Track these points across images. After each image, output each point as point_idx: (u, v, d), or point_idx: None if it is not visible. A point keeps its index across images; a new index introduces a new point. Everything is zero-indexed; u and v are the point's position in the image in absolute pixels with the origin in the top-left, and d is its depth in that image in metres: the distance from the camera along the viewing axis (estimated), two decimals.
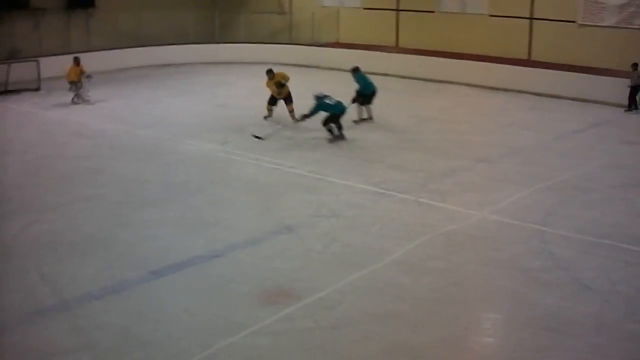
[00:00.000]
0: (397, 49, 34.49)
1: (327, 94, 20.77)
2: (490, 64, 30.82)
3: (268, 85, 22.99)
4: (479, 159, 19.15)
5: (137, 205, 15.12)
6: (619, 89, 26.59)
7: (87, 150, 19.54)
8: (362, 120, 22.99)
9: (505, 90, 29.70)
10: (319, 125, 20.38)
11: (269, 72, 23.19)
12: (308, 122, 21.00)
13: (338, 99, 20.65)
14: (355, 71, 23.27)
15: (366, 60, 29.85)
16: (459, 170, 18.17)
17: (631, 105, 26.23)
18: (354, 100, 22.57)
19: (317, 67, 33.90)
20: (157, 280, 11.69)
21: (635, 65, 25.86)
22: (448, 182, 17.12)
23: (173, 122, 23.04)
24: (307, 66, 33.44)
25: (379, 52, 33.50)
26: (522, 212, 15.10)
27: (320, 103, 20.41)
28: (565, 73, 29.08)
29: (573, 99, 27.90)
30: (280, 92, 22.81)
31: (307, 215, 14.58)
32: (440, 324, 10.47)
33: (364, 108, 23.06)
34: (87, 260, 12.46)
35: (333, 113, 20.29)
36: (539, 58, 30.60)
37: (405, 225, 14.14)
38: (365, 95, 22.91)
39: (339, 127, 20.55)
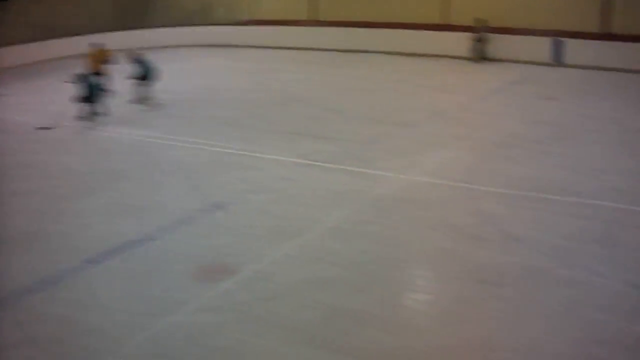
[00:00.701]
0: (317, 22, 34.54)
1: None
2: (408, 30, 31.12)
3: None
4: (402, 124, 19.40)
5: (67, 196, 15.00)
6: (538, 46, 27.25)
7: (12, 146, 19.31)
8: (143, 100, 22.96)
9: (423, 55, 30.05)
10: (245, 104, 20.35)
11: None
12: (238, 102, 21.01)
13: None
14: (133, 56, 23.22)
15: (285, 35, 30.06)
16: (384, 136, 18.38)
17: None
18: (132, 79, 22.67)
19: (236, 46, 33.80)
20: (94, 267, 11.63)
21: None
22: (374, 148, 17.32)
23: None
24: (225, 46, 33.31)
25: (298, 27, 33.54)
26: (448, 172, 15.37)
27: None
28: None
29: (497, 60, 28.39)
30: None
31: (237, 191, 14.62)
32: (377, 286, 10.64)
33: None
34: (22, 255, 12.34)
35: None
36: (456, 22, 30.99)
37: (335, 194, 14.30)
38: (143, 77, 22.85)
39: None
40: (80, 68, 21.93)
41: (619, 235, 12.21)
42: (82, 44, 32.96)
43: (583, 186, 14.57)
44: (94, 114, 20.63)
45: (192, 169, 16.27)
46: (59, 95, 25.09)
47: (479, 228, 12.56)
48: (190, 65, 30.09)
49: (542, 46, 28.75)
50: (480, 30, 29.88)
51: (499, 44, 29.56)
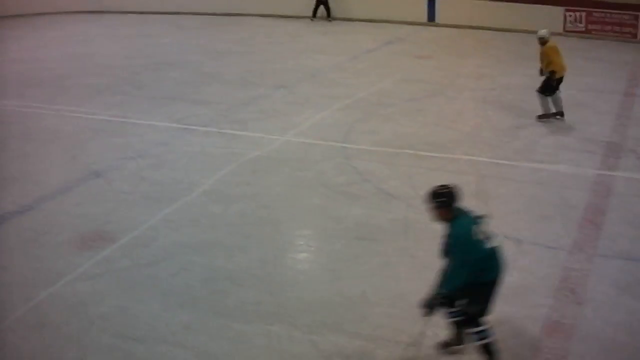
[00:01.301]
0: None
1: None
2: None
3: None
4: (277, 86, 19.50)
5: None
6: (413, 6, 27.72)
7: None
8: None
9: (298, 17, 30.14)
10: (120, 71, 20.02)
11: None
12: (113, 69, 20.70)
13: None
14: None
15: (161, 0, 29.77)
16: (259, 98, 18.44)
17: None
18: None
19: (110, 12, 33.15)
20: None
21: None
22: (249, 110, 17.37)
23: None
24: (99, 12, 32.66)
25: None
26: (323, 132, 15.54)
27: None
28: None
29: (370, 21, 28.68)
30: None
31: (113, 158, 14.46)
32: (255, 247, 10.78)
33: None
34: None
35: None
36: None
37: (211, 157, 14.33)
38: None
39: None
40: None
41: (492, 189, 12.57)
42: None
43: (457, 142, 14.92)
44: None
45: (68, 137, 15.97)
46: None
47: (355, 186, 12.78)
48: (64, 32, 29.42)
49: (417, 6, 29.13)
50: None
51: (372, 3, 29.85)
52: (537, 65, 16.28)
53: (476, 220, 7.75)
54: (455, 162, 13.81)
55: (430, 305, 7.69)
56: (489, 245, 7.63)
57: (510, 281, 9.46)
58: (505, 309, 8.77)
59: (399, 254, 10.46)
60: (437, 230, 10.80)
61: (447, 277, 7.70)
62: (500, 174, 13.31)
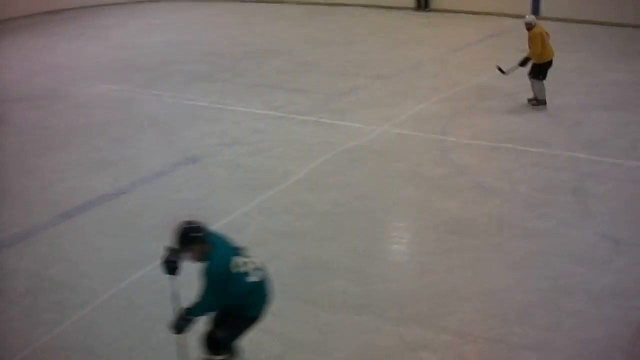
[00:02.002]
0: None
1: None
2: None
3: None
4: (377, 76, 19.39)
5: (39, 151, 14.96)
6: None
7: None
8: None
9: (400, 8, 29.94)
10: (219, 58, 20.22)
11: None
12: (212, 56, 20.88)
13: None
14: None
15: None
16: (358, 88, 18.37)
17: None
18: None
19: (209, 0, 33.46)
20: (65, 222, 11.67)
21: None
22: (348, 100, 17.31)
23: (69, 66, 22.63)
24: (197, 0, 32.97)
25: None
26: (421, 123, 15.41)
27: None
28: None
29: (472, 13, 28.34)
30: None
31: (210, 144, 14.63)
32: (348, 237, 10.73)
33: None
34: None
35: None
36: None
37: (307, 146, 14.33)
38: None
39: None
40: None
41: (592, 187, 12.29)
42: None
43: (558, 138, 14.63)
44: None
45: (166, 122, 16.22)
46: (37, 50, 25.09)
47: (451, 179, 12.63)
48: (165, 19, 29.86)
49: None
50: None
51: None
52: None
53: (236, 251, 7.27)
54: (554, 158, 13.52)
55: (178, 326, 7.28)
56: (251, 279, 7.15)
57: (605, 282, 9.28)
58: (599, 311, 8.58)
59: (491, 250, 10.30)
60: (533, 228, 10.72)
61: (196, 303, 7.25)
62: (601, 172, 12.95)
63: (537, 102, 16.62)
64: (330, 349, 8.22)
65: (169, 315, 8.25)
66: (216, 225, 10.84)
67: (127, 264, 10.16)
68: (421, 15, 29.42)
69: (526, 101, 16.64)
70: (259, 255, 9.95)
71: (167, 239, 10.61)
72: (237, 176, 13.05)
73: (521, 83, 17.08)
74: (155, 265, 9.84)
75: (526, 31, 16.36)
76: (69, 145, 15.19)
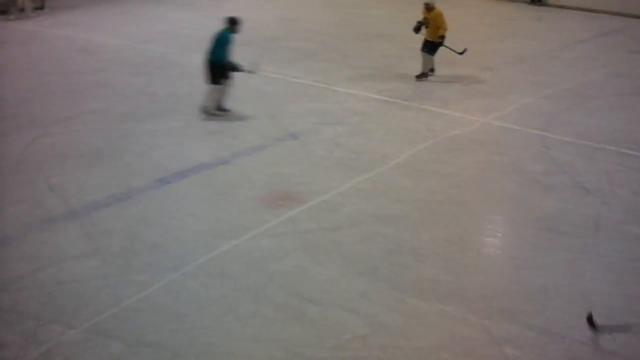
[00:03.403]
0: None
1: None
2: None
3: None
4: (483, 67, 19.20)
5: (142, 117, 15.22)
6: None
7: (92, 66, 19.52)
8: None
9: (513, 0, 29.59)
10: (324, 38, 20.27)
11: None
12: (319, 36, 20.97)
13: None
14: None
15: None
16: (463, 78, 18.23)
17: None
18: None
19: None
20: (163, 187, 11.86)
21: None
22: (452, 89, 17.20)
23: (178, 36, 22.94)
24: None
25: None
26: (525, 118, 15.22)
27: None
28: None
29: (585, 10, 27.82)
30: None
31: (311, 122, 14.71)
32: (441, 225, 10.67)
33: None
34: (94, 171, 12.61)
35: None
36: None
37: (408, 131, 14.28)
38: None
39: None
40: None
41: None
42: None
43: None
44: None
45: (269, 97, 16.35)
46: (147, 19, 25.47)
47: (550, 176, 12.46)
48: None
49: None
50: None
51: None
52: None
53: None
54: None
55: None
56: None
57: None
58: None
59: (586, 251, 10.13)
60: (631, 233, 10.52)
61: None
62: None
63: (425, 75, 17.84)
64: (414, 335, 8.20)
65: (258, 287, 8.37)
66: (311, 204, 11.00)
67: (221, 233, 10.29)
68: (534, 9, 29.05)
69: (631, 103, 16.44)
70: (351, 235, 10.09)
71: (263, 212, 10.80)
72: (335, 156, 13.08)
73: (629, 85, 16.77)
74: (248, 237, 10.04)
75: (427, 12, 17.51)
76: (172, 112, 15.41)
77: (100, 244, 10.16)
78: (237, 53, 15.02)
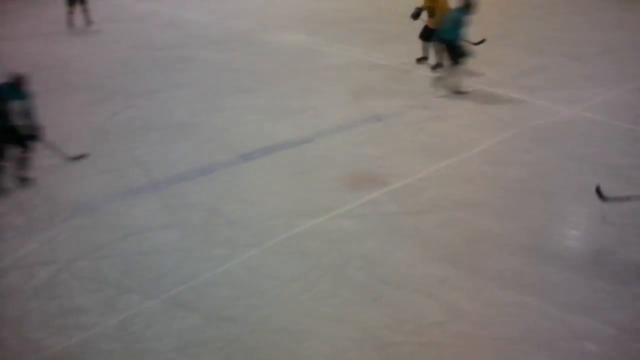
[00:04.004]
0: None
1: None
2: None
3: None
4: (571, 57, 18.81)
5: (227, 92, 15.30)
6: None
7: (178, 40, 19.70)
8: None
9: None
10: (412, 21, 20.06)
11: None
12: (400, 15, 20.80)
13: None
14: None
15: None
16: (551, 67, 17.88)
17: None
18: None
19: None
20: (246, 163, 11.92)
21: None
22: (539, 78, 16.88)
23: (265, 13, 23.07)
24: None
25: None
26: (612, 110, 14.87)
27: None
28: None
29: None
30: None
31: (396, 105, 14.58)
32: (524, 215, 10.48)
33: None
34: (177, 144, 12.74)
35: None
36: None
37: (494, 118, 14.07)
38: None
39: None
40: None
41: None
42: None
43: None
44: None
45: (354, 78, 16.28)
46: None
47: (636, 171, 12.14)
48: None
49: None
50: None
51: None
52: None
53: None
54: None
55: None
56: None
57: None
58: None
59: None
60: None
61: None
62: None
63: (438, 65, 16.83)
64: (492, 324, 8.09)
65: (337, 267, 8.34)
66: (393, 186, 10.93)
67: (302, 211, 10.31)
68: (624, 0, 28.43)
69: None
70: (432, 220, 10.00)
71: (344, 193, 10.75)
72: (419, 139, 12.96)
73: None
74: (330, 217, 10.00)
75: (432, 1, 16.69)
76: (256, 89, 15.48)
77: (182, 216, 10.27)
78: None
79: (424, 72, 16.83)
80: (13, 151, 11.14)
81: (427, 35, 16.83)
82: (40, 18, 23.61)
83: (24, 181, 11.42)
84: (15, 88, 11.17)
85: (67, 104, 14.99)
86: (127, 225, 10.10)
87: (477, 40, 16.37)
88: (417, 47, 17.71)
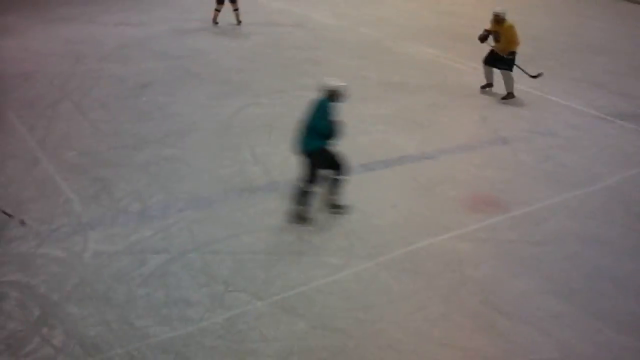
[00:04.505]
0: None
1: None
2: None
3: None
4: None
5: (352, 99, 15.10)
6: None
7: (307, 42, 19.74)
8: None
9: None
10: (540, 43, 19.65)
11: None
12: (541, 43, 20.46)
13: None
14: None
15: None
16: None
17: None
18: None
19: None
20: (366, 173, 11.83)
21: None
22: None
23: (395, 23, 22.97)
24: None
25: None
26: None
27: None
28: None
29: None
30: None
31: (523, 129, 14.28)
32: None
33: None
34: None
35: None
36: None
37: (623, 153, 13.63)
38: None
39: None
40: None
41: None
42: None
43: None
44: None
45: (481, 97, 16.00)
46: (367, 2, 25.56)
47: None
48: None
49: None
50: None
51: None
52: None
53: None
54: None
55: None
56: None
57: None
58: None
59: None
60: None
61: None
62: None
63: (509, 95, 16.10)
64: None
65: (450, 289, 8.18)
66: (514, 213, 10.68)
67: (419, 229, 10.17)
68: None
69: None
70: (552, 252, 9.73)
71: (463, 214, 10.55)
72: (544, 167, 12.64)
73: None
74: (446, 238, 9.83)
75: (497, 25, 15.99)
76: (383, 99, 15.39)
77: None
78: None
79: (553, 98, 16.43)
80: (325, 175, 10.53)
81: (492, 60, 16.28)
82: (173, 8, 24.05)
83: (336, 208, 10.67)
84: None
85: (193, 95, 15.14)
86: (241, 223, 10.11)
87: (533, 73, 15.97)
88: (549, 72, 17.35)
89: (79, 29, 20.83)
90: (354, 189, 11.13)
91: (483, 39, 16.26)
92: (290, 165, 11.75)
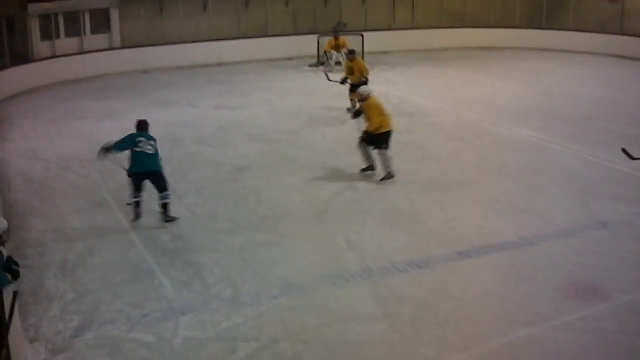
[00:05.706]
0: None
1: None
2: None
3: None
4: None
5: (450, 183, 15.09)
6: None
7: (404, 125, 19.64)
8: None
9: None
10: None
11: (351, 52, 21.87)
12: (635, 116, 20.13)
13: None
14: None
15: None
16: None
17: None
18: None
19: None
20: (462, 260, 11.62)
21: None
22: None
23: (492, 104, 22.81)
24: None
25: None
26: None
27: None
28: None
29: None
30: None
31: (624, 213, 13.76)
32: None
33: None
34: (394, 232, 12.63)
35: None
36: None
37: None
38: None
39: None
40: None
41: None
42: (488, 36, 33.81)
43: None
44: None
45: (582, 180, 15.50)
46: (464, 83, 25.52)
47: None
48: (592, 72, 29.00)
49: None
50: None
51: None
52: None
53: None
54: None
55: None
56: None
57: None
58: None
59: None
60: None
61: None
62: None
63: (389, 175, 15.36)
64: None
65: None
66: (616, 302, 10.27)
67: (516, 319, 9.87)
68: None
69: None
70: None
71: (562, 303, 10.20)
72: None
73: None
74: (544, 328, 9.50)
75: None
76: (480, 183, 15.17)
77: (391, 309, 10.12)
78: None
79: None
80: None
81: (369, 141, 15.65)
82: (270, 90, 24.37)
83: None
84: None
85: (289, 179, 15.33)
86: (334, 311, 10.03)
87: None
88: None
89: (178, 112, 21.35)
90: (449, 276, 10.97)
91: (356, 115, 16.30)
92: (385, 252, 11.66)
